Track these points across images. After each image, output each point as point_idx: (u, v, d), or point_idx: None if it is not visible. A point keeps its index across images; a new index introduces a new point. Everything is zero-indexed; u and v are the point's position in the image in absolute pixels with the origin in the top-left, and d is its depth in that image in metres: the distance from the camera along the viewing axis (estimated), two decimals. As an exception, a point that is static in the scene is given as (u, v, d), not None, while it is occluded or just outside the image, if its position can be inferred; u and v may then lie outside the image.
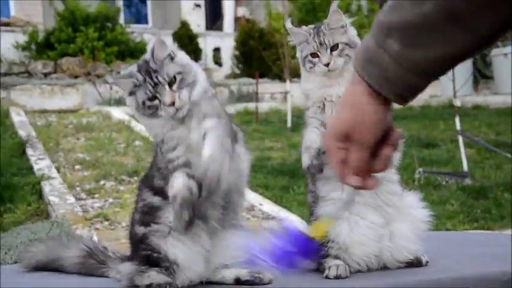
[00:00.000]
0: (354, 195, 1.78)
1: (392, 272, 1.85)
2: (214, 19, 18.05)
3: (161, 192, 1.71)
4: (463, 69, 9.89)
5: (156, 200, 1.72)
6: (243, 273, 1.75)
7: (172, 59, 1.67)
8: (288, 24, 1.98)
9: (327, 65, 1.85)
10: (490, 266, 1.85)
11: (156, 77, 1.64)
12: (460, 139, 6.30)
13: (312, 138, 1.84)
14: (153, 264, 1.68)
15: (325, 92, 1.86)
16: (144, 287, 1.66)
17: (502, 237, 2.72)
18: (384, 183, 1.85)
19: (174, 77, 1.65)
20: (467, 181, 6.08)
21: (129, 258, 1.77)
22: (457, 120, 6.39)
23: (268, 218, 5.11)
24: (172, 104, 1.63)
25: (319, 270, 1.85)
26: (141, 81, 1.65)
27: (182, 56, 1.70)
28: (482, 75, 13.05)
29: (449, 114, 6.68)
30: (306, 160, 1.83)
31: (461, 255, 2.05)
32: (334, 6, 1.92)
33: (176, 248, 1.68)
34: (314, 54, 1.89)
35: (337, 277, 1.78)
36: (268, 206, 5.42)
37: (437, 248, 2.03)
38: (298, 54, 1.95)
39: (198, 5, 17.40)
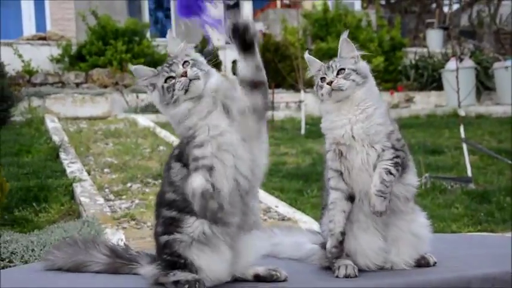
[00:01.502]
0: None
1: (401, 271, 1.83)
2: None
3: (175, 206, 1.71)
4: (467, 81, 9.81)
5: (173, 213, 1.72)
6: (261, 271, 1.76)
7: (186, 55, 1.75)
8: (306, 55, 1.98)
9: (330, 83, 1.84)
10: (493, 266, 1.84)
11: (172, 60, 1.73)
12: (464, 146, 6.26)
13: (337, 218, 1.83)
14: (177, 268, 1.68)
15: (337, 133, 1.85)
16: (171, 283, 1.66)
17: (504, 240, 2.69)
18: (397, 214, 1.87)
19: (187, 61, 1.72)
20: (471, 186, 6.03)
21: (153, 261, 1.78)
22: (462, 128, 6.36)
23: (283, 219, 5.08)
24: (185, 74, 1.66)
25: (331, 269, 1.84)
26: (159, 70, 1.74)
27: (196, 54, 1.77)
28: (485, 87, 12.94)
29: (454, 123, 6.63)
30: (328, 246, 1.84)
31: (466, 256, 2.03)
32: (344, 35, 1.91)
33: (199, 257, 1.68)
34: (323, 78, 1.88)
35: (347, 276, 1.78)
36: (284, 208, 5.39)
37: (444, 249, 2.02)
38: (314, 87, 1.95)
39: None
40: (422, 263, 1.89)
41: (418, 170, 6.66)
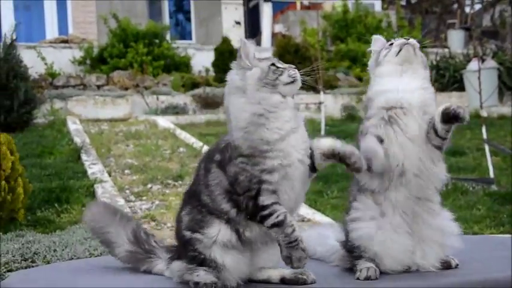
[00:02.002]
0: None
1: (423, 274, 1.81)
2: (253, 35, 18.11)
3: (206, 208, 1.70)
4: (489, 82, 9.70)
5: (202, 214, 1.70)
6: (287, 273, 1.74)
7: None
8: (374, 36, 1.97)
9: (407, 39, 1.84)
10: None
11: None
12: (487, 147, 6.20)
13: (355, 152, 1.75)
14: (201, 264, 1.68)
15: (392, 96, 1.79)
16: (192, 284, 1.66)
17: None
18: (424, 202, 1.83)
19: None
20: (493, 187, 5.95)
21: (178, 257, 1.76)
22: (484, 129, 6.30)
23: (303, 220, 5.07)
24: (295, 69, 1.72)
25: (353, 271, 1.83)
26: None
27: None
28: (508, 87, 12.79)
29: (476, 124, 6.54)
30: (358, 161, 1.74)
31: (489, 258, 2.00)
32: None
33: (222, 256, 1.67)
34: (391, 44, 1.87)
35: (367, 278, 1.76)
36: (304, 210, 5.36)
37: (466, 251, 1.99)
38: (370, 62, 1.92)
39: (238, 23, 17.45)
40: (444, 265, 1.87)
41: (440, 172, 6.60)
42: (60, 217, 5.11)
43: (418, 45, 1.84)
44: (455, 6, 20.53)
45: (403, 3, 21.44)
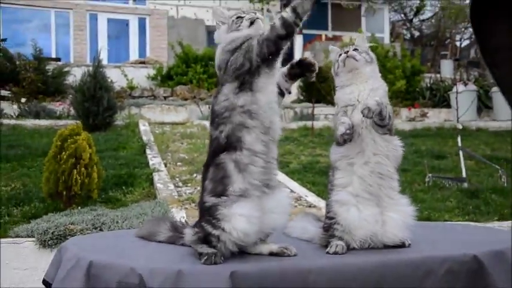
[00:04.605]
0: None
1: (379, 251, 1.78)
2: (287, 60, 18.04)
3: (226, 146, 1.64)
4: (469, 101, 9.51)
5: (223, 156, 1.64)
6: (275, 248, 1.73)
7: None
8: (330, 46, 1.98)
9: (347, 52, 1.85)
10: (456, 249, 1.76)
11: None
12: (461, 153, 6.04)
13: (344, 118, 1.80)
14: (207, 242, 1.61)
15: (348, 97, 1.82)
16: (198, 253, 1.64)
17: (472, 228, 2.58)
18: (387, 180, 1.80)
19: None
20: (465, 185, 5.79)
21: (194, 225, 1.73)
22: (459, 139, 6.15)
23: (310, 206, 5.03)
24: None
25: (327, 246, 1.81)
26: None
27: None
28: (485, 106, 12.45)
29: (458, 133, 6.41)
30: (342, 129, 1.76)
31: (438, 240, 1.96)
32: (361, 35, 1.95)
33: (234, 217, 1.57)
34: (340, 55, 1.87)
35: (335, 253, 1.75)
36: (312, 198, 5.34)
37: (423, 234, 1.96)
38: (332, 71, 1.92)
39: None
40: (398, 244, 1.84)
41: (423, 171, 6.49)
42: (126, 197, 5.19)
43: (354, 53, 1.84)
44: (448, 41, 20.02)
45: (407, 37, 21.02)
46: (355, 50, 1.86)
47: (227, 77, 1.68)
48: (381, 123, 1.77)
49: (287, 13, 1.59)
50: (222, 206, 1.61)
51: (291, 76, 1.76)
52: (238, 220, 1.58)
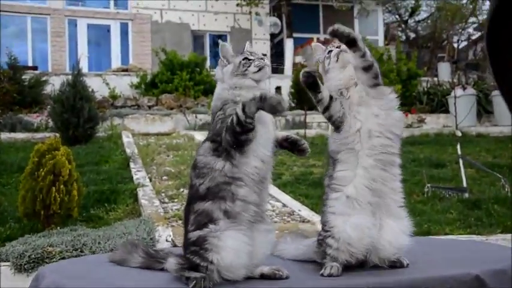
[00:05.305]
0: None
1: (377, 272, 1.77)
2: (278, 65, 18.13)
3: (207, 195, 1.63)
4: (468, 106, 9.56)
5: (206, 205, 1.62)
6: (266, 270, 1.71)
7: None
8: (313, 43, 1.97)
9: (339, 46, 1.84)
10: (457, 268, 1.76)
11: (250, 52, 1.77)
12: (461, 161, 6.08)
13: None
14: (195, 266, 1.61)
15: (340, 82, 1.80)
16: (184, 278, 1.62)
17: (474, 244, 2.59)
18: (390, 168, 1.77)
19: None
20: (466, 195, 5.82)
21: (177, 256, 1.71)
22: (458, 146, 6.19)
23: (304, 221, 5.03)
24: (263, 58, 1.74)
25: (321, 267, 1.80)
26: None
27: None
28: (485, 110, 12.57)
29: (457, 140, 6.46)
30: (301, 78, 1.76)
31: (438, 259, 1.96)
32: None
33: (222, 248, 1.57)
34: (330, 51, 1.87)
35: (330, 275, 1.74)
36: (305, 212, 5.33)
37: (422, 252, 1.95)
38: (320, 67, 1.91)
39: (264, 55, 17.41)
40: (397, 264, 1.83)
41: (422, 181, 6.52)
42: (108, 215, 5.16)
43: (345, 47, 1.82)
44: (445, 42, 20.24)
45: (403, 39, 21.22)
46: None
47: (210, 133, 1.70)
48: (364, 63, 1.74)
49: (240, 111, 1.60)
50: (210, 236, 1.60)
51: (281, 147, 1.76)
52: (228, 252, 1.58)
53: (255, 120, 1.62)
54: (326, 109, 1.80)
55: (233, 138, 1.61)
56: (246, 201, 1.63)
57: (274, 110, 1.59)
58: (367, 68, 1.77)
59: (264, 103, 1.58)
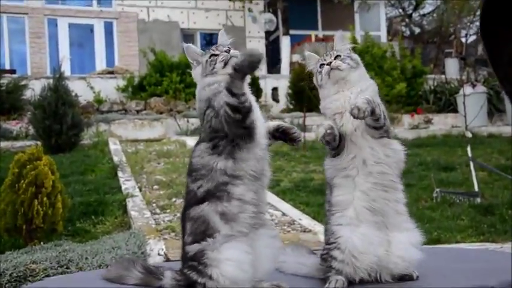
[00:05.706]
0: None
1: (384, 285, 1.78)
2: (274, 64, 18.17)
3: (205, 198, 1.65)
4: (479, 104, 9.58)
5: (203, 208, 1.64)
6: (266, 286, 1.72)
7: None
8: (306, 52, 1.99)
9: (329, 64, 1.85)
10: (471, 280, 1.77)
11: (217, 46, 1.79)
12: (471, 164, 6.10)
13: (324, 122, 1.81)
14: (192, 283, 1.62)
15: (335, 105, 1.82)
16: None
17: (487, 253, 2.59)
18: (391, 192, 1.80)
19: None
20: (478, 200, 5.84)
21: (175, 272, 1.72)
22: (469, 148, 6.22)
23: (305, 231, 5.03)
24: (228, 51, 1.74)
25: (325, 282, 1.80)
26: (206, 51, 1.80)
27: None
28: (497, 109, 12.61)
29: (467, 142, 6.49)
30: (322, 130, 1.78)
31: (449, 270, 1.96)
32: (339, 33, 1.94)
33: (223, 262, 1.58)
34: (322, 65, 1.88)
35: (336, 289, 1.74)
36: (306, 221, 5.33)
37: (433, 262, 1.96)
38: (314, 80, 1.93)
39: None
40: (406, 277, 1.84)
41: (430, 185, 6.54)
42: (96, 228, 5.16)
43: (338, 63, 1.84)
44: (452, 37, 20.33)
45: (407, 34, 21.32)
46: (336, 57, 1.87)
47: (204, 134, 1.71)
48: (375, 124, 1.78)
49: (228, 98, 1.61)
50: (208, 249, 1.60)
51: (274, 138, 1.77)
52: (228, 265, 1.58)
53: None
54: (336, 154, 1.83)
55: (239, 127, 1.62)
56: (242, 200, 1.64)
57: (254, 63, 1.59)
58: (377, 128, 1.80)
59: (241, 69, 1.59)
